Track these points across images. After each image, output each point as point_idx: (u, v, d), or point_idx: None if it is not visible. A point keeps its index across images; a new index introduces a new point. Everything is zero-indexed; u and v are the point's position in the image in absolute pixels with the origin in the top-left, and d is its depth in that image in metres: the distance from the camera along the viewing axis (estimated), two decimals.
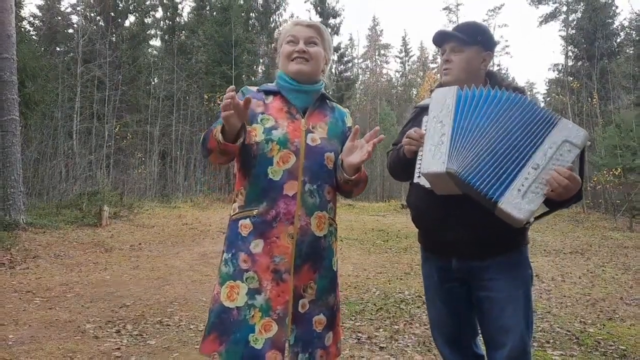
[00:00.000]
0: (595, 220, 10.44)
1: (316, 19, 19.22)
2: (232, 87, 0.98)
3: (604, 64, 17.07)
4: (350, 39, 36.28)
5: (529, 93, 1.24)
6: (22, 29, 13.26)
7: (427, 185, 1.10)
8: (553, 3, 19.42)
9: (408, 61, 34.90)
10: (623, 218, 10.26)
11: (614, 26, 18.30)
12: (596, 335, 2.65)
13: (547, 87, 25.68)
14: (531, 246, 1.34)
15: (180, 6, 19.38)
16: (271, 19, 20.71)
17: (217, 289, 1.09)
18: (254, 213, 1.07)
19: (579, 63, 18.73)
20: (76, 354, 2.24)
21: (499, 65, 26.85)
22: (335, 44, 19.54)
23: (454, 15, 27.49)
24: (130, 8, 17.29)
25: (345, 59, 23.72)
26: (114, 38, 15.74)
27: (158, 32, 19.23)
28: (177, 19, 19.35)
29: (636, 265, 5.15)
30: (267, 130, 1.10)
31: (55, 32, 16.32)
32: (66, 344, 2.36)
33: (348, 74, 23.63)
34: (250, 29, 18.76)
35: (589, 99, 16.72)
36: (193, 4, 20.37)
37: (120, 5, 16.85)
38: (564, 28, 19.13)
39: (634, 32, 16.86)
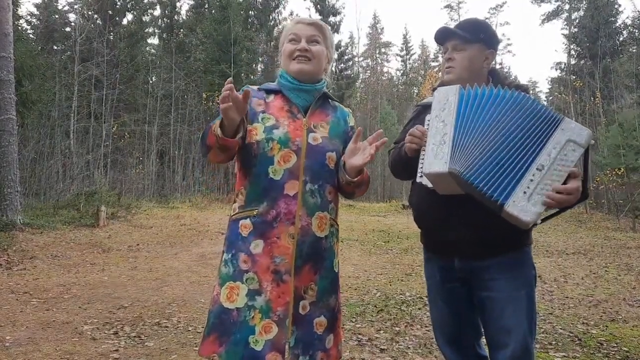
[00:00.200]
0: (598, 221, 10.45)
1: (316, 16, 19.14)
2: (230, 79, 0.96)
3: (606, 62, 17.07)
4: (351, 37, 36.27)
5: (531, 92, 1.21)
6: (20, 28, 13.21)
7: (430, 185, 1.09)
8: (555, 1, 19.47)
9: (409, 59, 34.89)
10: (626, 218, 10.27)
11: (617, 24, 18.30)
12: (599, 336, 2.63)
13: (550, 86, 25.73)
14: (533, 247, 1.34)
15: (178, 4, 19.35)
16: (270, 17, 20.65)
17: (216, 290, 1.08)
18: (255, 213, 1.06)
19: (582, 62, 18.75)
20: (73, 355, 2.22)
21: (501, 63, 26.90)
22: (335, 42, 19.46)
23: (455, 13, 27.50)
24: (128, 6, 17.24)
25: (346, 57, 23.70)
26: (111, 36, 15.69)
27: (156, 31, 19.19)
28: (175, 17, 19.31)
29: (639, 266, 5.14)
30: (268, 129, 1.08)
31: (52, 31, 16.26)
32: (64, 346, 2.35)
33: (348, 72, 23.61)
34: (249, 27, 18.69)
35: (592, 98, 16.73)
36: (191, 2, 20.32)
37: (118, 3, 16.79)
38: (566, 26, 19.15)
39: (636, 31, 16.87)
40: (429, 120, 1.12)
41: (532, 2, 20.31)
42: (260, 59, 19.96)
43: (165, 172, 15.90)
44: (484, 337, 1.22)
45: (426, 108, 1.20)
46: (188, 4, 23.21)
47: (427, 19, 62.59)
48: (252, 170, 1.08)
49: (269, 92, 1.17)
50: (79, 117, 13.17)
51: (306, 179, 1.06)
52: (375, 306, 3.31)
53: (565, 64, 19.55)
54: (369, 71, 34.93)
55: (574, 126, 1.00)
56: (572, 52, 18.86)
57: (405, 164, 1.19)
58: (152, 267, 4.74)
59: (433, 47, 35.64)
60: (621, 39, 18.24)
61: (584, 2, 18.40)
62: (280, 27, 20.63)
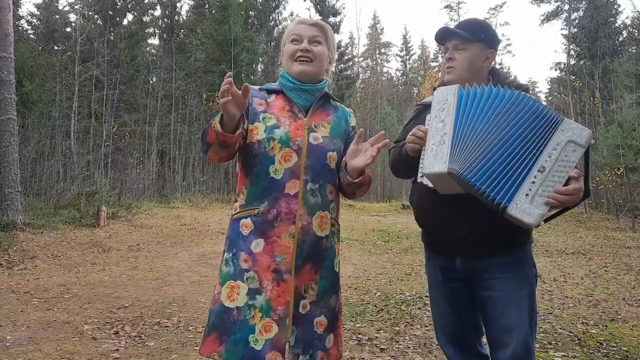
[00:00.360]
0: (597, 221, 10.43)
1: (316, 17, 19.16)
2: (230, 73, 0.97)
3: (606, 62, 17.06)
4: (351, 37, 36.26)
5: (530, 92, 1.21)
6: (20, 28, 13.23)
7: (430, 185, 1.09)
8: (555, 1, 19.45)
9: (409, 60, 34.86)
10: (625, 218, 10.26)
11: (616, 25, 18.29)
12: (598, 336, 2.63)
13: (549, 86, 25.72)
14: (533, 246, 1.35)
15: (178, 4, 19.36)
16: (270, 17, 20.65)
17: (217, 289, 1.08)
18: (255, 212, 1.06)
19: (581, 62, 18.74)
20: (74, 355, 2.22)
21: (500, 63, 26.89)
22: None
23: (455, 13, 27.51)
24: (129, 6, 17.24)
25: (346, 57, 23.70)
26: (112, 37, 15.69)
27: (156, 31, 19.19)
28: (176, 17, 19.30)
29: (639, 265, 5.15)
30: (269, 129, 1.09)
31: (53, 31, 16.26)
32: (64, 346, 2.35)
33: (348, 72, 23.61)
34: (249, 27, 18.68)
35: (591, 98, 16.72)
36: (192, 2, 20.34)
37: (119, 3, 16.79)
38: (565, 27, 19.15)
39: (636, 31, 16.85)
40: (429, 120, 1.12)
41: (531, 3, 20.31)
42: (260, 59, 19.94)
43: (165, 172, 15.90)
44: (484, 336, 1.22)
45: (427, 107, 1.21)
46: (188, 4, 23.16)
47: (427, 19, 62.65)
48: (253, 169, 1.09)
49: (270, 92, 1.17)
50: (79, 117, 13.17)
51: (307, 178, 1.07)
52: (375, 306, 3.32)
53: (564, 64, 19.55)
54: (368, 71, 34.93)
55: (574, 126, 1.00)
56: (572, 52, 18.85)
57: (406, 163, 1.20)
58: (152, 267, 4.74)
59: (433, 47, 35.66)
60: (621, 39, 18.24)
61: (584, 3, 18.40)
62: (280, 27, 20.65)
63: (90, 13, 15.97)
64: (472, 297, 1.20)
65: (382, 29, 42.17)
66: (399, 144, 1.28)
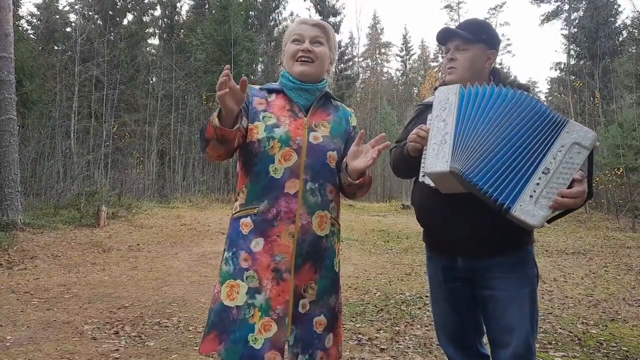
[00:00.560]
0: (597, 221, 10.42)
1: (316, 17, 19.16)
2: (227, 66, 0.97)
3: (606, 62, 17.06)
4: (351, 37, 36.25)
5: (531, 92, 1.22)
6: (20, 28, 13.23)
7: (432, 184, 1.09)
8: (555, 1, 19.45)
9: (409, 60, 34.87)
10: (625, 218, 10.25)
11: (616, 25, 18.29)
12: (598, 336, 2.63)
13: (549, 86, 25.71)
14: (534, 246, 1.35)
15: (178, 4, 19.34)
16: (270, 17, 20.66)
17: (217, 288, 1.08)
18: (255, 211, 1.07)
19: (581, 62, 18.74)
20: (74, 355, 2.22)
21: (500, 63, 26.88)
22: None
23: (455, 13, 27.51)
24: (129, 6, 17.24)
25: (346, 57, 23.70)
26: (112, 37, 15.69)
27: (156, 31, 19.19)
28: (176, 17, 19.30)
29: (639, 265, 5.15)
30: (269, 128, 1.09)
31: (53, 31, 16.26)
32: (64, 345, 2.35)
33: (348, 72, 23.62)
34: (249, 27, 18.69)
35: (591, 98, 16.72)
36: (192, 2, 20.33)
37: (119, 3, 16.79)
38: (565, 26, 19.15)
39: (636, 31, 16.83)
40: (430, 120, 1.12)
41: (531, 3, 20.32)
42: (260, 59, 19.94)
43: (165, 172, 15.91)
44: (485, 335, 1.23)
45: (428, 107, 1.21)
46: (188, 4, 23.16)
47: (427, 19, 62.68)
48: (253, 168, 1.09)
49: (270, 91, 1.17)
50: (79, 117, 13.18)
51: (307, 177, 1.07)
52: (375, 306, 3.31)
53: (564, 64, 19.55)
54: (368, 71, 34.93)
55: (579, 128, 1.00)
56: (572, 52, 18.85)
57: (407, 163, 1.20)
58: (152, 267, 4.74)
59: (433, 47, 35.67)
60: (620, 39, 18.24)
61: (584, 3, 18.40)
62: (280, 27, 20.66)
63: (90, 13, 15.97)
64: (473, 297, 1.20)
65: (382, 29, 42.23)
66: (400, 143, 1.29)
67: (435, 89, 1.18)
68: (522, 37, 57.88)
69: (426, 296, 3.49)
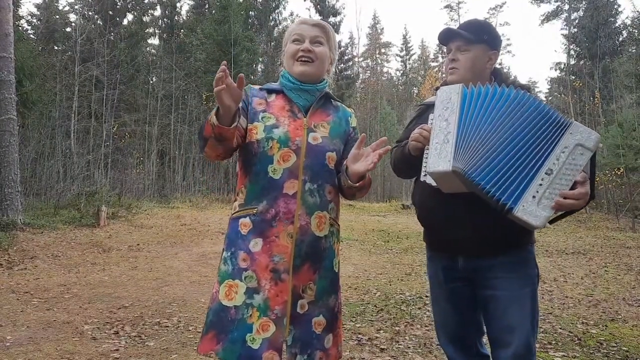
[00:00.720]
0: (597, 221, 10.42)
1: (316, 17, 19.16)
2: (224, 62, 0.96)
3: (606, 62, 17.06)
4: (351, 37, 36.24)
5: (531, 92, 1.22)
6: (20, 28, 13.23)
7: (434, 183, 1.09)
8: (555, 1, 19.46)
9: (409, 60, 34.87)
10: (625, 218, 10.24)
11: (616, 25, 18.30)
12: (598, 336, 2.63)
13: (549, 86, 25.71)
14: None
15: (178, 4, 19.34)
16: (270, 17, 20.66)
17: (216, 288, 1.08)
18: (254, 211, 1.07)
19: (581, 62, 18.75)
20: (74, 355, 2.22)
21: (500, 63, 26.89)
22: None
23: (455, 13, 27.52)
24: (129, 6, 17.25)
25: (346, 57, 23.71)
26: (112, 37, 15.69)
27: (156, 31, 19.19)
28: (176, 17, 19.29)
29: (639, 265, 5.15)
30: (268, 129, 1.09)
31: (53, 31, 16.26)
32: (64, 345, 2.35)
33: (348, 72, 23.62)
34: (249, 27, 18.69)
35: (591, 98, 16.72)
36: (192, 2, 20.33)
37: (119, 3, 16.80)
38: (565, 27, 19.17)
39: (636, 31, 16.84)
40: (432, 120, 1.12)
41: (531, 3, 20.33)
42: (260, 59, 19.95)
43: (165, 172, 15.91)
44: (485, 335, 1.23)
45: (429, 107, 1.21)
46: (188, 4, 23.17)
47: (427, 19, 62.67)
48: (252, 169, 1.09)
49: (270, 91, 1.17)
50: (79, 117, 13.18)
51: (305, 178, 1.07)
52: (375, 306, 3.32)
53: (564, 64, 19.56)
54: (368, 71, 34.93)
55: (582, 130, 1.00)
56: (572, 52, 18.87)
57: (408, 162, 1.20)
58: (152, 267, 4.74)
59: (433, 47, 35.68)
60: (620, 39, 18.24)
61: (584, 3, 18.41)
62: (280, 27, 20.65)
63: (90, 13, 15.98)
64: (473, 297, 1.20)
65: (382, 29, 42.24)
66: (400, 143, 1.28)
67: (437, 89, 1.18)
68: (522, 37, 57.93)
69: (426, 296, 3.49)
